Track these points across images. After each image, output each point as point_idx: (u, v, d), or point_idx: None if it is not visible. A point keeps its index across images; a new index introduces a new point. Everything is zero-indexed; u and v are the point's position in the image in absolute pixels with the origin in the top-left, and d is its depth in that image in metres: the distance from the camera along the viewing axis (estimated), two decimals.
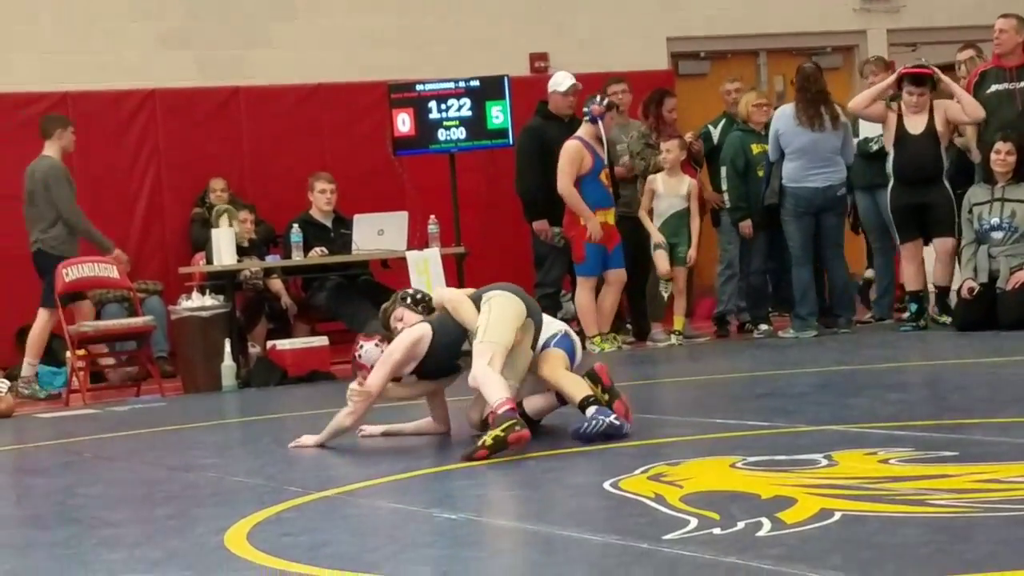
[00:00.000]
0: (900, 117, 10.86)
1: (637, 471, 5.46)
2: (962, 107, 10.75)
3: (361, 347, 6.99)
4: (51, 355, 11.90)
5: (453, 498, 5.48)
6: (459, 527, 4.87)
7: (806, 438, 6.14)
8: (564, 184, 10.93)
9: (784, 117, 11.14)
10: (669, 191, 11.32)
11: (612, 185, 11.15)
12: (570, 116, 11.47)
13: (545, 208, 11.36)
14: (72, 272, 10.79)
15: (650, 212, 11.37)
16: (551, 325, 7.15)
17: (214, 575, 4.42)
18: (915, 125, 10.81)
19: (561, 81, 11.52)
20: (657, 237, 11.27)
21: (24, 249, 11.04)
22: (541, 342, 6.96)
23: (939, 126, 10.78)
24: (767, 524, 4.40)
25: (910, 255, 11.00)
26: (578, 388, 6.71)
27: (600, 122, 10.92)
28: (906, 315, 11.21)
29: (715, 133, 12.07)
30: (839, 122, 11.10)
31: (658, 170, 11.43)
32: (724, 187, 11.63)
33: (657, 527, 4.49)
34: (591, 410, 6.56)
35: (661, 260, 11.28)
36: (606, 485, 5.25)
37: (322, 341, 10.87)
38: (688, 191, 11.32)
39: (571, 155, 10.92)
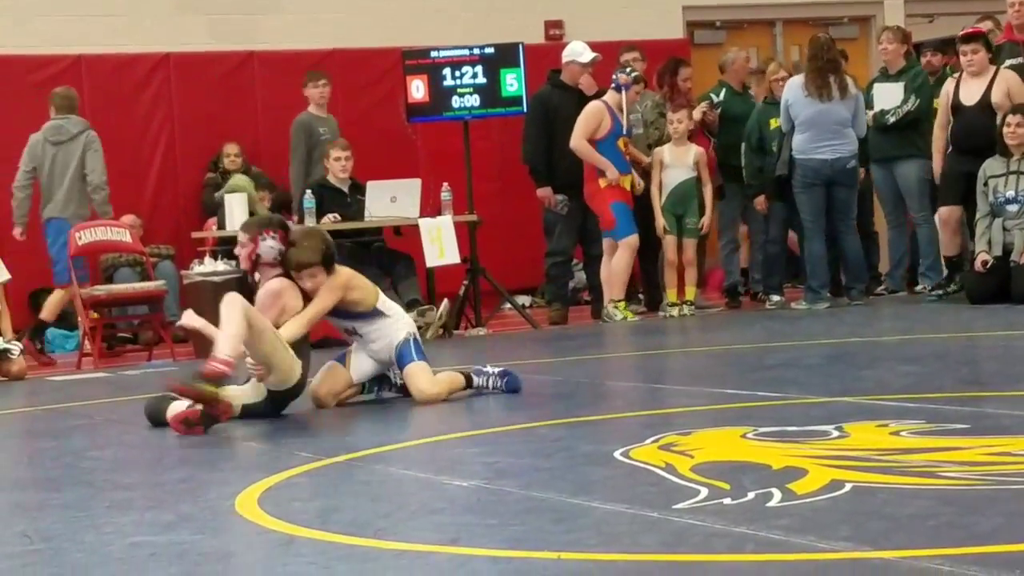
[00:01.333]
0: (958, 87, 10.81)
1: (648, 440, 5.46)
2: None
3: (264, 240, 6.97)
4: (63, 318, 11.95)
5: (463, 465, 5.49)
6: (469, 494, 4.88)
7: (818, 409, 6.15)
8: (576, 138, 10.94)
9: (793, 88, 11.11)
10: (676, 161, 11.31)
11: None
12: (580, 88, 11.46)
13: (548, 176, 11.38)
14: (84, 236, 10.82)
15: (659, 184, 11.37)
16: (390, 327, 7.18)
17: (225, 539, 4.44)
18: (970, 95, 10.74)
19: (581, 51, 11.50)
20: (660, 221, 11.26)
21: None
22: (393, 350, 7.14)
23: (996, 97, 10.68)
24: (778, 495, 4.41)
25: (945, 220, 10.95)
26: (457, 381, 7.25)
27: (625, 92, 10.98)
28: (933, 283, 11.20)
29: (716, 102, 12.02)
30: (848, 92, 11.05)
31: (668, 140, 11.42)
32: (743, 162, 11.63)
33: (667, 496, 4.50)
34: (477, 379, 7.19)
35: (668, 247, 11.30)
36: (616, 454, 5.26)
37: None
38: (695, 160, 11.30)
39: (590, 115, 10.96)
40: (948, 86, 10.91)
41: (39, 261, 11.39)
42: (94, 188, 10.94)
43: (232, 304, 6.60)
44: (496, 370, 7.36)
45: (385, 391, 7.31)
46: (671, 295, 11.35)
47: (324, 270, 7.03)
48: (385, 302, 7.26)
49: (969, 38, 10.78)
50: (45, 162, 11.01)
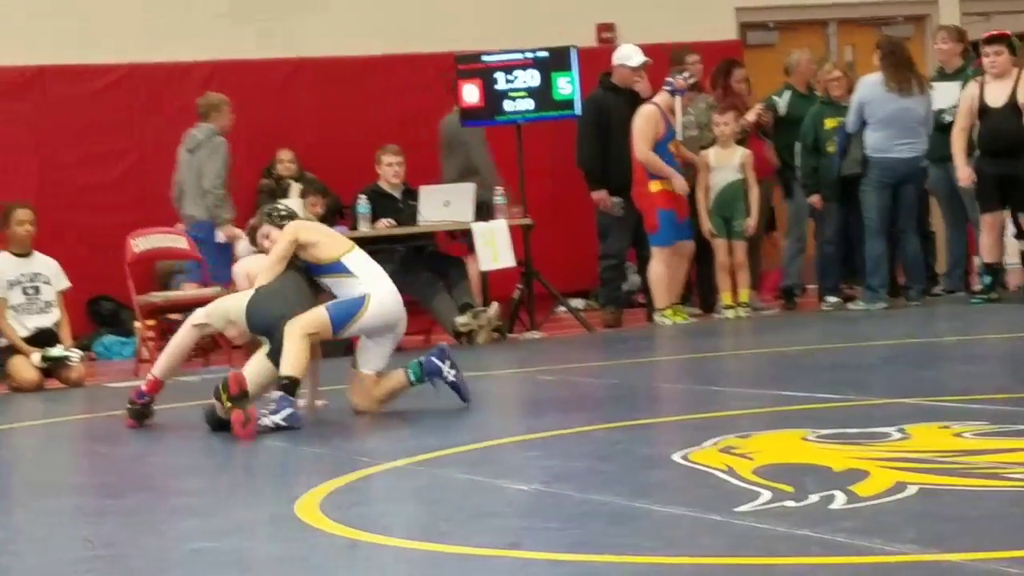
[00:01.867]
0: (982, 89, 10.73)
1: (707, 443, 5.44)
2: None
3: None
4: (120, 325, 12.02)
5: (521, 469, 5.49)
6: (528, 498, 4.87)
7: (878, 411, 6.10)
8: (642, 149, 10.94)
9: (871, 85, 11.02)
10: (721, 163, 11.27)
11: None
12: (634, 90, 11.45)
13: (603, 179, 11.38)
14: (141, 243, 10.86)
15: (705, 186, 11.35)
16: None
17: (287, 544, 4.44)
18: (996, 98, 10.67)
19: (631, 55, 11.48)
20: (705, 225, 11.23)
21: (97, 221, 11.11)
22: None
23: (1021, 98, 10.63)
24: (841, 497, 4.37)
25: (988, 226, 10.87)
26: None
27: (680, 96, 10.98)
28: (979, 287, 11.10)
29: (781, 104, 11.96)
30: (925, 88, 11.01)
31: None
32: (797, 162, 11.57)
33: (729, 499, 4.47)
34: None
35: (719, 249, 11.27)
36: (676, 457, 5.24)
37: None
38: (741, 162, 11.25)
39: (647, 118, 10.95)
40: (972, 89, 10.82)
41: (97, 270, 11.46)
42: (204, 193, 11.04)
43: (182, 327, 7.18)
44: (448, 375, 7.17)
45: (439, 381, 7.18)
46: (725, 297, 11.31)
47: (274, 228, 7.16)
48: (357, 262, 7.11)
49: (992, 40, 10.72)
50: (181, 168, 11.27)
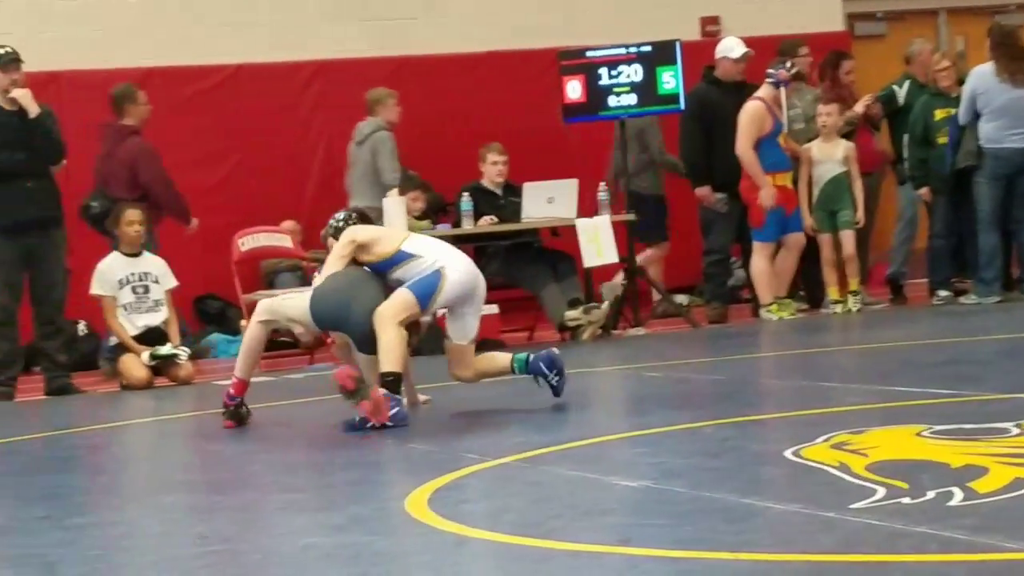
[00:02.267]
0: None
1: (819, 439, 5.39)
2: None
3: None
4: (226, 323, 12.16)
5: (630, 465, 5.47)
6: (639, 494, 4.86)
7: (995, 406, 6.01)
8: (743, 146, 10.88)
9: (982, 76, 10.87)
10: (824, 156, 11.17)
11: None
12: (738, 82, 11.39)
13: (707, 174, 11.33)
14: (247, 242, 10.99)
15: (809, 179, 11.24)
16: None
17: (397, 540, 4.47)
18: None
19: (733, 47, 11.42)
20: (807, 220, 11.13)
21: (202, 221, 11.22)
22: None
23: None
24: (959, 494, 4.31)
25: None
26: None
27: (784, 87, 10.91)
28: None
29: (900, 94, 11.79)
30: None
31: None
32: (904, 154, 11.44)
33: (843, 496, 4.42)
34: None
35: (824, 245, 11.17)
36: (787, 453, 5.20)
37: (492, 309, 10.88)
38: (844, 155, 11.13)
39: (752, 116, 10.90)
40: None
41: (203, 268, 11.60)
42: (383, 188, 11.16)
43: (249, 326, 7.31)
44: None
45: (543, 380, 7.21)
46: (832, 292, 11.21)
47: (332, 239, 7.28)
48: (417, 245, 7.12)
49: None
50: (351, 162, 11.54)
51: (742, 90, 11.34)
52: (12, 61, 9.60)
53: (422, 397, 7.39)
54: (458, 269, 7.03)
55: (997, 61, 10.80)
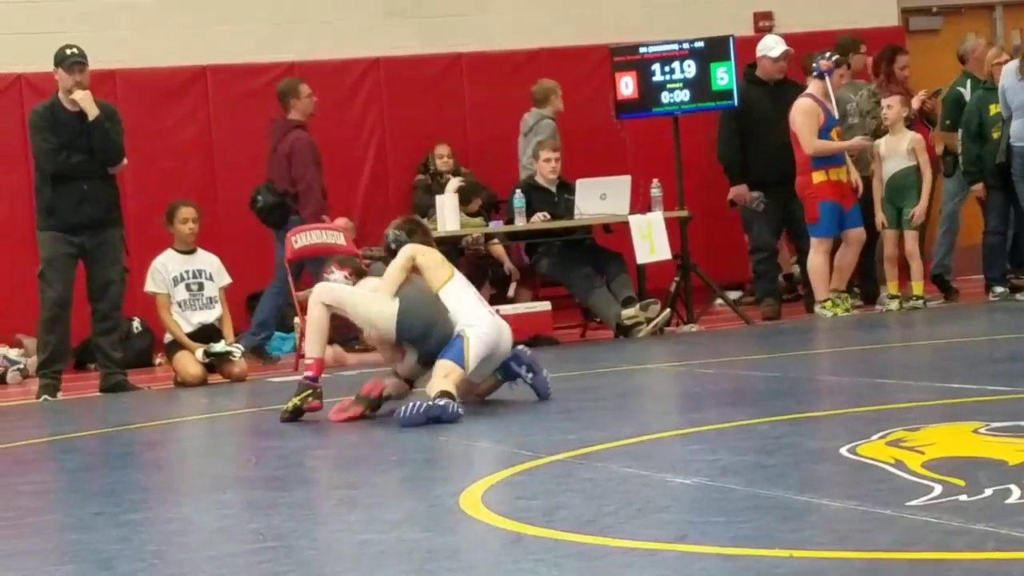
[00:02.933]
0: None
1: (875, 436, 5.36)
2: None
3: (332, 272, 7.62)
4: (281, 321, 12.21)
5: (685, 463, 5.46)
6: (694, 492, 4.85)
7: None
8: (810, 142, 10.87)
9: (1008, 73, 10.82)
10: (889, 150, 11.10)
11: None
12: (779, 81, 11.39)
13: (742, 173, 11.36)
14: (301, 239, 11.01)
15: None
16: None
17: (453, 536, 4.48)
18: None
19: (772, 46, 11.43)
20: (879, 216, 11.08)
21: (257, 223, 11.29)
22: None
23: None
24: (1017, 491, 4.28)
25: None
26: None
27: (828, 77, 10.86)
28: None
29: (966, 94, 11.66)
30: None
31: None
32: (959, 149, 11.37)
33: (899, 493, 4.40)
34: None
35: (888, 241, 11.12)
36: (843, 451, 5.18)
37: (544, 306, 10.94)
38: (910, 147, 11.05)
39: (808, 112, 10.89)
40: None
41: (257, 265, 11.66)
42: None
43: (311, 306, 7.39)
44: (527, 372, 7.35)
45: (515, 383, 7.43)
46: (892, 288, 11.14)
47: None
48: (452, 296, 7.32)
49: None
50: (521, 152, 11.83)
51: (783, 89, 11.33)
52: (76, 63, 9.66)
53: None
54: (482, 333, 7.18)
55: (1021, 60, 10.73)
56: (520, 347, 7.45)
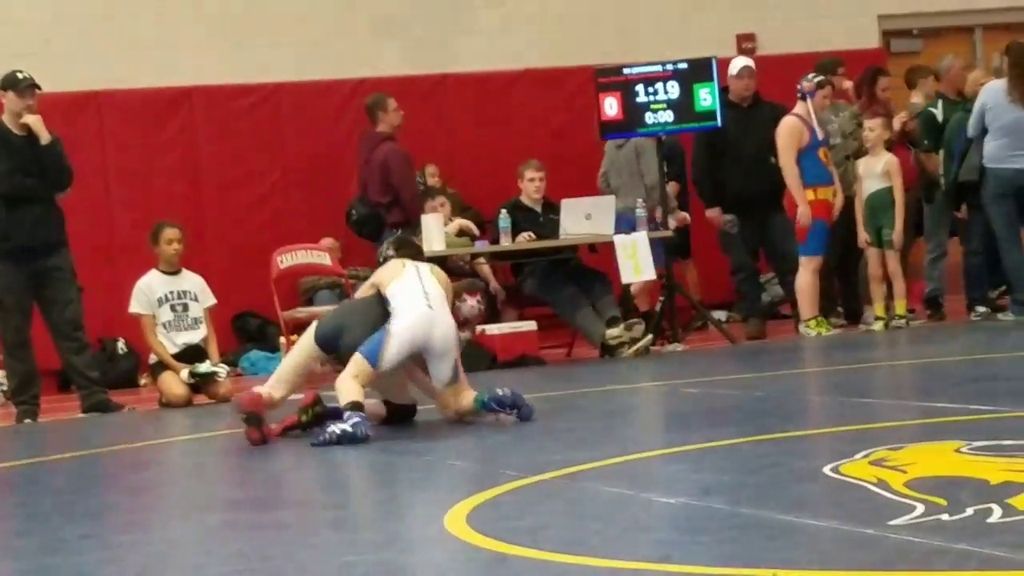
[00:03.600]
0: None
1: (858, 456, 5.36)
2: None
3: (464, 301, 7.47)
4: (265, 340, 12.21)
5: (669, 482, 5.46)
6: (678, 511, 4.85)
7: None
8: (784, 160, 10.92)
9: (993, 92, 10.81)
10: (867, 171, 11.14)
11: (829, 163, 11.12)
12: (751, 103, 11.45)
13: (714, 196, 11.42)
14: (286, 259, 11.01)
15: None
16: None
17: (437, 557, 4.47)
18: None
19: (733, 65, 11.51)
20: (862, 235, 11.10)
21: (241, 239, 11.28)
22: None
23: None
24: (998, 510, 4.29)
25: None
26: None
27: (811, 99, 10.90)
28: None
29: (937, 113, 11.70)
30: None
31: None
32: (940, 169, 11.39)
33: (881, 513, 4.41)
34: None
35: (872, 260, 11.14)
36: (826, 470, 5.18)
37: (530, 326, 10.93)
38: (885, 169, 11.07)
39: (790, 130, 10.96)
40: None
41: (242, 285, 11.65)
42: (648, 189, 11.39)
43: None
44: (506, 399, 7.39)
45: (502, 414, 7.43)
46: (878, 308, 11.15)
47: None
48: (396, 294, 7.36)
49: None
50: (609, 164, 11.84)
51: (756, 109, 11.38)
52: (29, 87, 9.62)
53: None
54: (406, 324, 7.23)
55: (1010, 80, 10.75)
56: (496, 389, 7.39)
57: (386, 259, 7.71)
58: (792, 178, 10.91)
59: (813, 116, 11.00)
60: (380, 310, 7.35)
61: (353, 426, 6.89)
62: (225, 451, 7.94)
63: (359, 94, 12.88)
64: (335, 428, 6.91)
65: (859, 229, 11.15)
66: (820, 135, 11.03)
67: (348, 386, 7.12)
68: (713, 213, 11.62)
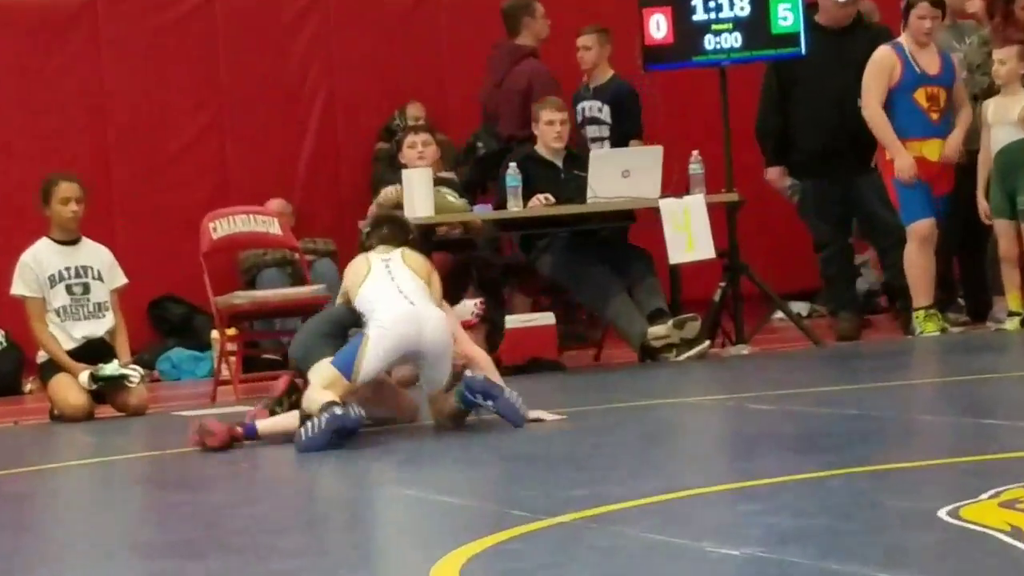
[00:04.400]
0: None
1: (984, 495, 5.42)
2: None
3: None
4: (193, 335, 12.25)
5: (733, 527, 5.51)
6: (744, 566, 4.90)
7: None
8: (869, 105, 10.98)
9: None
10: (999, 116, 11.13)
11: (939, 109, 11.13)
12: (844, 28, 11.52)
13: (778, 150, 11.50)
14: (221, 227, 11.01)
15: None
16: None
17: None
18: None
19: None
20: (982, 204, 11.13)
21: (162, 199, 11.32)
22: None
23: None
24: None
25: None
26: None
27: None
28: None
29: None
30: None
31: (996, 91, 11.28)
32: None
33: (1016, 569, 4.46)
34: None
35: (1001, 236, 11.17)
36: (942, 513, 5.23)
37: (547, 319, 10.95)
38: (1023, 114, 11.08)
39: (875, 66, 11.05)
40: None
41: (161, 261, 11.70)
42: None
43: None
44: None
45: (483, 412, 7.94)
46: (1012, 300, 11.15)
47: None
48: (364, 299, 7.93)
49: None
50: None
51: (851, 38, 11.43)
52: None
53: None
54: (386, 326, 7.76)
55: None
56: (466, 372, 7.87)
57: (361, 247, 8.19)
58: (878, 126, 10.95)
59: (907, 46, 11.05)
60: (354, 321, 7.89)
61: (342, 409, 7.35)
62: (139, 479, 7.99)
63: (319, 8, 12.90)
64: (319, 419, 7.38)
65: (979, 196, 11.16)
66: (923, 71, 11.06)
67: (318, 395, 7.54)
68: (773, 174, 11.64)
